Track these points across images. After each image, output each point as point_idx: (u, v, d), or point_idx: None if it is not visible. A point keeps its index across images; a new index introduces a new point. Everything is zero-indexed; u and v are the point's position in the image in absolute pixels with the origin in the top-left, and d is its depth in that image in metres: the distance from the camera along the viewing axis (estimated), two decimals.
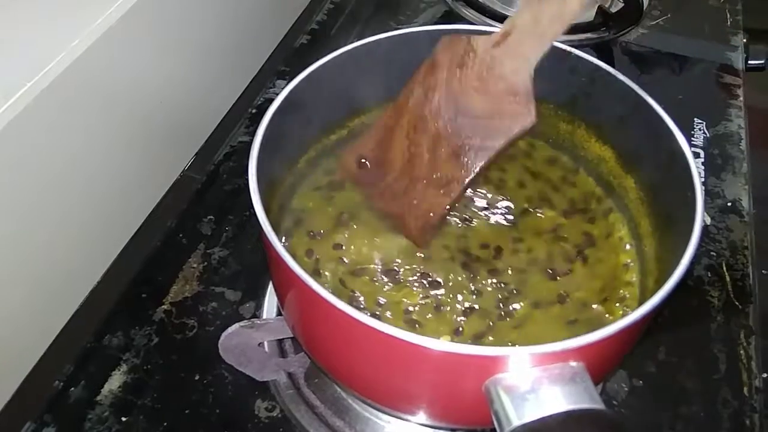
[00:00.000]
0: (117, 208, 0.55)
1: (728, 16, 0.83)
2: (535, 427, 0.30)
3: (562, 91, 0.47)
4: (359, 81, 0.47)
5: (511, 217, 0.47)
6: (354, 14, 0.81)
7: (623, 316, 0.36)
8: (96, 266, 0.55)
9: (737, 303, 0.55)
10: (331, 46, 0.44)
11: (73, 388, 0.48)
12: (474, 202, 0.48)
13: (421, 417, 0.39)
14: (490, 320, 0.42)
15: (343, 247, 0.45)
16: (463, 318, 0.42)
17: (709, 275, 0.57)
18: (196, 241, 0.57)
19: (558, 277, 0.44)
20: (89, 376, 0.49)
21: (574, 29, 0.73)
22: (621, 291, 0.43)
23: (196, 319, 0.52)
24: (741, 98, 0.72)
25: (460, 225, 0.46)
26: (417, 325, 0.41)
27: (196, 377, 0.49)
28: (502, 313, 0.42)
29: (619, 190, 0.47)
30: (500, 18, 0.76)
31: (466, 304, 0.42)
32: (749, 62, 0.77)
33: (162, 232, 0.57)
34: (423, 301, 0.42)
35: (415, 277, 0.43)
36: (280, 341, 0.50)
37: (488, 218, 0.47)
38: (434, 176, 0.41)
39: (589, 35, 0.75)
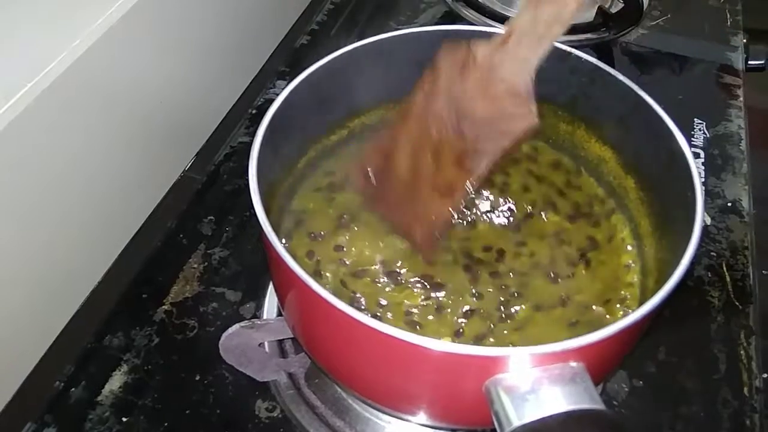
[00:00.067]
0: (117, 209, 0.55)
1: (728, 16, 0.83)
2: (536, 427, 0.30)
3: (562, 92, 0.47)
4: (359, 81, 0.47)
5: (514, 220, 0.47)
6: (354, 15, 0.81)
7: (624, 317, 0.36)
8: (96, 266, 0.55)
9: (737, 303, 0.55)
10: (331, 46, 0.44)
11: (73, 389, 0.48)
12: (477, 204, 0.48)
13: (422, 417, 0.39)
14: (491, 322, 0.42)
15: (344, 249, 0.45)
16: (463, 320, 0.42)
17: (710, 275, 0.57)
18: (196, 241, 0.57)
19: (560, 281, 0.44)
20: (90, 376, 0.49)
21: (574, 30, 0.73)
22: (622, 292, 0.43)
23: (196, 320, 0.52)
24: (741, 98, 0.72)
25: (462, 227, 0.46)
26: (418, 327, 0.41)
27: (197, 377, 0.49)
28: (503, 315, 0.42)
29: (620, 190, 0.47)
30: (500, 18, 0.76)
31: (467, 306, 0.42)
32: (749, 62, 0.77)
33: (162, 233, 0.57)
34: (424, 303, 0.42)
35: (417, 279, 0.43)
36: (280, 342, 0.50)
37: (491, 221, 0.47)
38: (439, 182, 0.42)
39: (589, 36, 0.75)
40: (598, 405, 0.31)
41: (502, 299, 0.43)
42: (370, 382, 0.39)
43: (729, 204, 0.62)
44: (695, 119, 0.69)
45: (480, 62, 0.39)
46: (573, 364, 0.32)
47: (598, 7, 0.75)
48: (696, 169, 0.38)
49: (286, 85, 0.42)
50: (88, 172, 0.51)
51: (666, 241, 0.42)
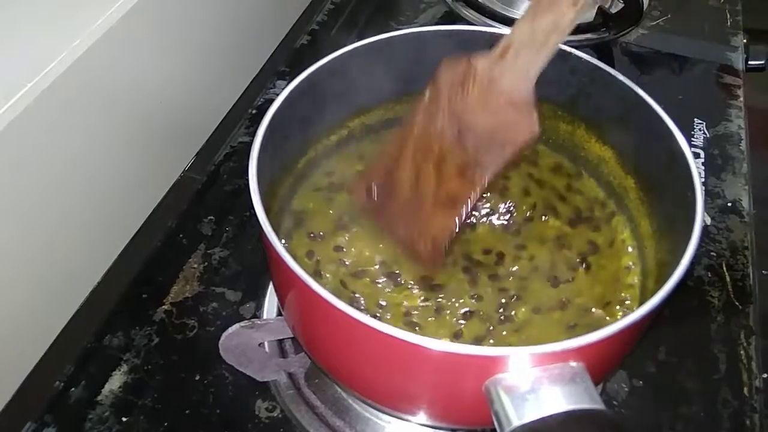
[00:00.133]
0: (117, 209, 0.55)
1: (728, 16, 0.83)
2: (536, 427, 0.30)
3: (562, 92, 0.47)
4: (359, 81, 0.47)
5: (514, 224, 0.47)
6: (354, 15, 0.81)
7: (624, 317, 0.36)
8: (96, 266, 0.55)
9: (737, 303, 0.55)
10: (331, 46, 0.44)
11: (73, 389, 0.48)
12: (477, 207, 0.48)
13: (422, 417, 0.39)
14: (490, 324, 0.42)
15: (344, 249, 0.45)
16: (463, 321, 0.42)
17: (710, 275, 0.57)
18: (196, 241, 0.57)
19: (560, 284, 0.44)
20: (90, 376, 0.49)
21: (574, 30, 0.73)
22: (622, 294, 0.43)
23: (196, 320, 0.52)
24: (741, 98, 0.72)
25: (462, 230, 0.46)
26: (417, 328, 0.41)
27: (197, 377, 0.49)
28: (502, 317, 0.42)
29: (620, 190, 0.47)
30: (500, 18, 0.76)
31: (467, 308, 0.42)
32: (749, 63, 0.77)
33: (162, 233, 0.57)
34: (423, 304, 0.42)
35: (416, 280, 0.43)
36: (280, 341, 0.50)
37: (491, 224, 0.47)
38: (442, 195, 0.42)
39: (589, 36, 0.75)
40: (598, 405, 0.31)
41: (502, 302, 0.43)
42: (370, 382, 0.39)
43: (729, 204, 0.62)
44: (695, 119, 0.69)
45: (480, 75, 0.39)
46: (573, 363, 0.32)
47: (598, 7, 0.75)
48: (696, 169, 0.38)
49: (287, 85, 0.42)
50: (88, 172, 0.51)
51: (666, 242, 0.42)
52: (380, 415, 0.47)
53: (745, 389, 0.50)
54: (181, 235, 0.57)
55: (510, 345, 0.40)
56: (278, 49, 0.74)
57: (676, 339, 0.52)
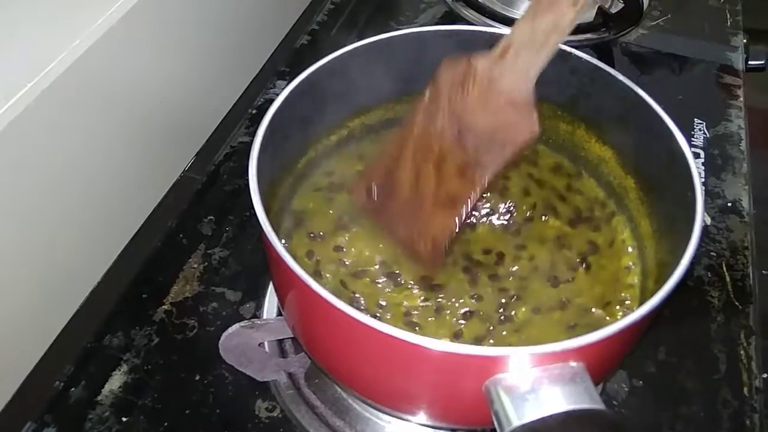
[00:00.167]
0: (117, 209, 0.55)
1: (728, 16, 0.83)
2: (536, 427, 0.30)
3: (562, 92, 0.47)
4: (359, 81, 0.47)
5: (514, 224, 0.47)
6: (354, 15, 0.81)
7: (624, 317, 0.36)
8: (96, 266, 0.55)
9: (737, 303, 0.55)
10: (331, 46, 0.44)
11: (73, 389, 0.48)
12: (478, 207, 0.48)
13: (422, 417, 0.39)
14: (490, 324, 0.42)
15: (344, 249, 0.45)
16: (462, 321, 0.42)
17: (710, 275, 0.57)
18: (196, 241, 0.57)
19: (560, 284, 0.44)
20: (90, 376, 0.49)
21: (574, 30, 0.73)
22: (622, 294, 0.43)
23: (196, 320, 0.52)
24: (741, 98, 0.72)
25: (463, 229, 0.46)
26: (417, 328, 0.41)
27: (197, 377, 0.49)
28: (502, 317, 0.42)
29: (620, 190, 0.47)
30: (500, 18, 0.76)
31: (466, 308, 0.42)
32: (749, 63, 0.77)
33: (162, 233, 0.57)
34: (423, 304, 0.42)
35: (416, 280, 0.43)
36: (280, 341, 0.50)
37: (492, 224, 0.47)
38: (442, 195, 0.42)
39: (589, 36, 0.75)
40: (598, 405, 0.31)
41: (502, 302, 0.43)
42: (370, 381, 0.39)
43: (729, 204, 0.62)
44: (695, 119, 0.69)
45: (480, 75, 0.39)
46: (573, 363, 0.32)
47: (598, 7, 0.75)
48: (696, 169, 0.38)
49: (287, 85, 0.42)
50: (88, 172, 0.51)
51: (666, 242, 0.42)
52: (380, 415, 0.47)
53: (745, 389, 0.50)
54: (181, 235, 0.57)
55: (510, 345, 0.40)
56: (278, 49, 0.74)
57: (676, 339, 0.52)
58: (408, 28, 0.47)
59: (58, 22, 0.47)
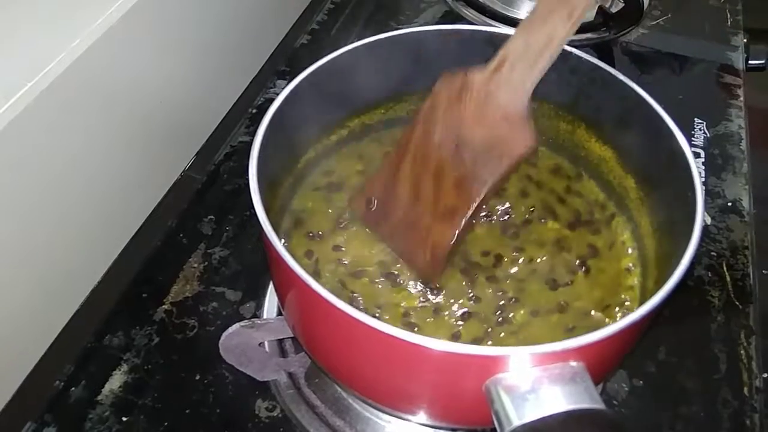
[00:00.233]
0: (117, 208, 0.55)
1: (728, 16, 0.83)
2: (536, 426, 0.30)
3: (562, 91, 0.47)
4: (359, 81, 0.47)
5: (513, 226, 0.47)
6: (354, 14, 0.81)
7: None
8: (96, 266, 0.55)
9: (737, 303, 0.55)
10: (331, 46, 0.44)
11: (73, 388, 0.48)
12: (477, 216, 0.47)
13: (422, 417, 0.39)
14: (488, 326, 0.41)
15: (343, 249, 0.45)
16: (461, 323, 0.42)
17: (710, 275, 0.57)
18: (196, 241, 0.57)
19: (559, 288, 0.44)
20: (90, 375, 0.49)
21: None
22: (622, 296, 0.43)
23: (196, 319, 0.52)
24: (741, 98, 0.72)
25: (462, 238, 0.46)
26: (415, 329, 0.41)
27: (197, 377, 0.49)
28: (500, 319, 0.42)
29: (620, 190, 0.47)
30: (500, 17, 0.76)
31: (465, 309, 0.42)
32: (749, 62, 0.77)
33: (162, 232, 0.57)
34: (421, 305, 0.42)
35: (415, 281, 0.43)
36: (280, 341, 0.50)
37: (490, 226, 0.47)
38: (440, 209, 0.42)
39: (589, 35, 0.75)
40: (598, 404, 0.31)
41: (500, 303, 0.43)
42: (371, 381, 0.39)
43: (729, 204, 0.62)
44: (695, 119, 0.69)
45: (476, 90, 0.39)
46: (573, 363, 0.32)
47: (599, 6, 0.75)
48: (696, 169, 0.38)
49: (287, 84, 0.42)
50: (88, 172, 0.51)
51: (666, 242, 0.42)
52: (380, 414, 0.47)
53: (746, 389, 0.50)
54: (181, 235, 0.57)
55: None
56: (278, 48, 0.74)
57: (676, 339, 0.52)
58: (408, 27, 0.47)
59: (58, 22, 0.47)
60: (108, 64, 0.49)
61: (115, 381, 0.49)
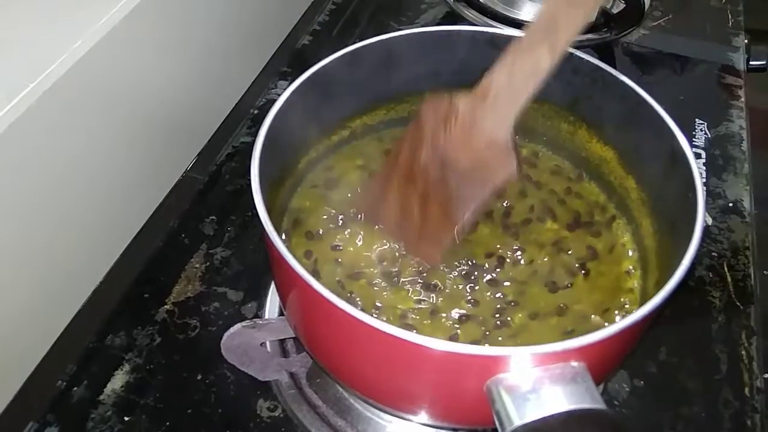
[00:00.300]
0: (119, 209, 0.55)
1: (730, 16, 0.83)
2: (537, 426, 0.30)
3: (563, 92, 0.47)
4: (360, 82, 0.47)
5: (512, 226, 0.47)
6: (356, 15, 0.81)
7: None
8: (98, 266, 0.55)
9: (738, 303, 0.55)
10: (332, 46, 0.44)
11: (75, 388, 0.48)
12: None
13: (423, 417, 0.39)
14: (487, 328, 0.41)
15: (342, 249, 0.45)
16: (458, 325, 0.42)
17: (711, 276, 0.57)
18: (198, 241, 0.57)
19: (558, 290, 0.44)
20: (92, 375, 0.49)
21: None
22: (621, 299, 0.43)
23: (198, 319, 0.52)
24: (742, 99, 0.72)
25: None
26: (413, 330, 0.41)
27: (199, 377, 0.49)
28: (498, 322, 0.42)
29: (621, 190, 0.47)
30: (501, 18, 0.76)
31: (463, 311, 0.42)
32: (751, 63, 0.77)
33: (164, 233, 0.57)
34: (419, 306, 0.42)
35: (413, 282, 0.43)
36: (282, 341, 0.50)
37: (490, 226, 0.47)
38: (426, 229, 0.43)
39: (590, 36, 0.75)
40: (599, 405, 0.31)
41: (498, 306, 0.43)
42: (372, 381, 0.39)
43: (730, 204, 0.62)
44: (697, 120, 0.69)
45: (461, 116, 0.40)
46: (574, 363, 0.32)
47: (600, 7, 0.75)
48: (697, 170, 0.38)
49: (288, 85, 0.42)
50: (90, 173, 0.51)
51: (667, 242, 0.42)
52: (382, 414, 0.47)
53: (746, 389, 0.50)
54: (183, 235, 0.57)
55: None
56: (280, 49, 0.74)
57: (677, 339, 0.52)
58: (409, 28, 0.47)
59: (60, 23, 0.47)
60: (110, 65, 0.49)
61: (117, 381, 0.49)
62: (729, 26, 0.81)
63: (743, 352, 0.52)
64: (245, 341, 0.45)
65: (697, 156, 0.66)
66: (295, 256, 0.34)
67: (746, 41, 0.79)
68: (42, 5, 0.48)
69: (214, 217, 0.59)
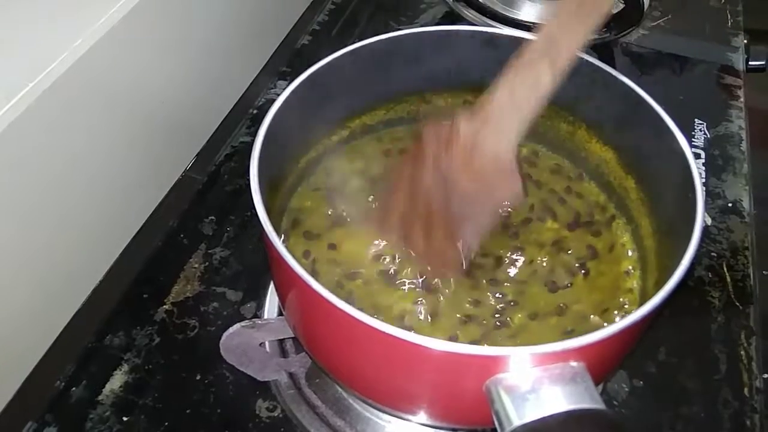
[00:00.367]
0: (118, 209, 0.55)
1: (729, 17, 0.83)
2: (536, 427, 0.30)
3: (563, 92, 0.47)
4: (360, 81, 0.47)
5: (512, 226, 0.47)
6: (355, 15, 0.81)
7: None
8: (97, 266, 0.55)
9: (738, 303, 0.55)
10: (332, 46, 0.44)
11: (74, 388, 0.48)
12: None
13: (422, 417, 0.39)
14: (486, 329, 0.41)
15: (340, 249, 0.45)
16: (458, 325, 0.41)
17: (710, 276, 0.57)
18: (197, 241, 0.57)
19: (558, 290, 0.44)
20: (91, 375, 0.49)
21: None
22: (621, 299, 0.43)
23: (197, 319, 0.52)
24: (742, 99, 0.72)
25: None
26: (412, 330, 0.41)
27: (198, 377, 0.49)
28: (498, 322, 0.42)
29: (620, 190, 0.47)
30: (501, 18, 0.76)
31: (462, 312, 0.42)
32: (750, 63, 0.77)
33: (163, 232, 0.57)
34: (418, 307, 0.42)
35: (412, 282, 0.43)
36: (281, 341, 0.50)
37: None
38: (432, 254, 0.43)
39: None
40: (599, 405, 0.31)
41: (498, 307, 0.42)
42: (371, 381, 0.39)
43: (729, 204, 0.62)
44: (696, 120, 0.69)
45: (463, 139, 0.40)
46: (573, 363, 0.32)
47: None
48: (696, 170, 0.38)
49: (287, 85, 0.42)
50: (89, 172, 0.51)
51: (666, 243, 0.42)
52: (381, 414, 0.47)
53: (746, 389, 0.50)
54: (182, 235, 0.57)
55: None
56: (279, 49, 0.74)
57: (676, 339, 0.52)
58: (409, 28, 0.47)
59: (60, 22, 0.47)
60: (110, 65, 0.49)
61: (116, 381, 0.49)
62: (728, 26, 0.82)
63: (742, 353, 0.52)
64: (244, 341, 0.45)
65: (697, 156, 0.66)
66: (294, 256, 0.34)
67: (745, 41, 0.79)
68: (42, 5, 0.48)
69: (213, 217, 0.59)
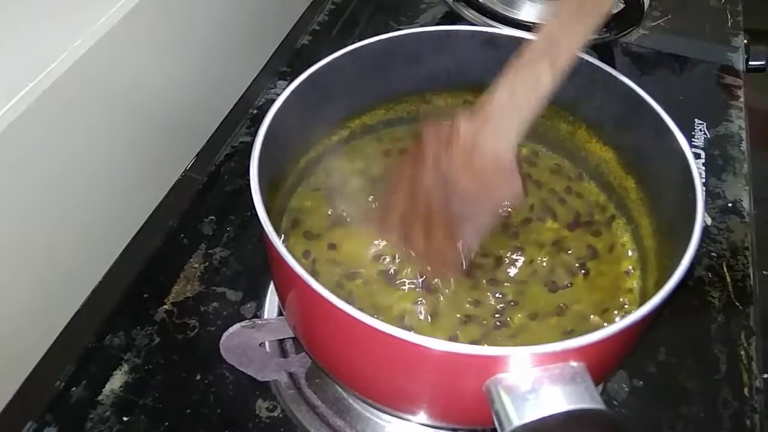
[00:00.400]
0: (118, 209, 0.55)
1: (729, 17, 0.83)
2: (536, 427, 0.30)
3: (563, 92, 0.47)
4: (360, 81, 0.47)
5: (512, 226, 0.47)
6: (355, 15, 0.81)
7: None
8: (97, 266, 0.55)
9: (738, 303, 0.55)
10: (332, 46, 0.44)
11: (74, 388, 0.48)
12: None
13: (422, 417, 0.39)
14: (486, 329, 0.41)
15: (340, 249, 0.45)
16: (458, 325, 0.41)
17: (710, 276, 0.57)
18: (197, 241, 0.57)
19: (558, 290, 0.44)
20: (91, 375, 0.49)
21: None
22: (620, 299, 0.43)
23: (197, 319, 0.52)
24: (742, 99, 0.72)
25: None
26: (412, 330, 0.41)
27: (198, 377, 0.49)
28: (498, 322, 0.42)
29: (620, 190, 0.47)
30: (501, 18, 0.76)
31: (462, 312, 0.42)
32: (750, 63, 0.77)
33: (163, 232, 0.57)
34: (418, 307, 0.42)
35: (412, 281, 0.43)
36: (281, 341, 0.50)
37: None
38: (432, 256, 0.43)
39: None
40: (599, 405, 0.31)
41: (498, 307, 0.42)
42: (371, 381, 0.39)
43: (729, 204, 0.62)
44: (696, 120, 0.69)
45: (463, 137, 0.40)
46: (573, 363, 0.32)
47: None
48: (696, 170, 0.38)
49: (287, 85, 0.42)
50: (89, 172, 0.51)
51: (666, 243, 0.42)
52: (381, 414, 0.47)
53: (746, 389, 0.50)
54: (182, 235, 0.57)
55: None
56: (279, 49, 0.74)
57: (676, 339, 0.52)
58: (408, 28, 0.47)
59: (60, 22, 0.47)
60: (110, 65, 0.49)
61: (116, 381, 0.49)
62: (728, 26, 0.82)
63: (742, 353, 0.52)
64: (244, 341, 0.45)
65: (697, 156, 0.66)
66: (294, 256, 0.34)
67: (745, 41, 0.79)
68: (42, 5, 0.48)
69: (213, 217, 0.59)
